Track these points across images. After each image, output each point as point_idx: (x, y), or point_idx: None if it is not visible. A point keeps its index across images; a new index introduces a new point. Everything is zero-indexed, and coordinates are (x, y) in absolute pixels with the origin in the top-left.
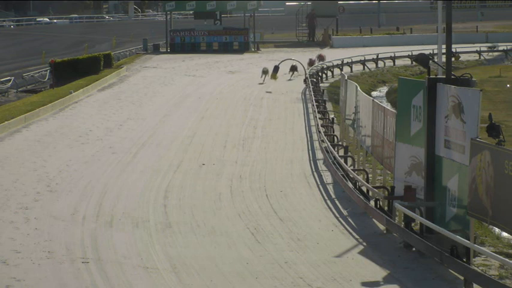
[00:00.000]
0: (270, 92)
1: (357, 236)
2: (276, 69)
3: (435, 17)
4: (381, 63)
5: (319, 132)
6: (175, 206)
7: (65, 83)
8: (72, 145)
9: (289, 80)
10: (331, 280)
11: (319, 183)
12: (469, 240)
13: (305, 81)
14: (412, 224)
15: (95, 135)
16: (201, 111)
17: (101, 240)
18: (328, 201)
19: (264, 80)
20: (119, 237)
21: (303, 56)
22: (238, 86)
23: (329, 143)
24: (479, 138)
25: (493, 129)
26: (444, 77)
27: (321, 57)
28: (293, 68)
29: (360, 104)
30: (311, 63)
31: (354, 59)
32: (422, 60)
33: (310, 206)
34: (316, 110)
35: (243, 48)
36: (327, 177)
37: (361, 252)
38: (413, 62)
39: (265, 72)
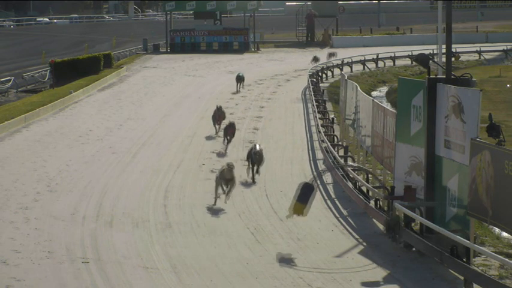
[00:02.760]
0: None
1: (357, 236)
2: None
3: (435, 17)
4: (381, 63)
5: (319, 132)
6: (175, 205)
7: (65, 83)
8: (72, 145)
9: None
10: (331, 280)
11: (319, 183)
12: (469, 240)
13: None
14: (412, 224)
15: (95, 135)
16: (201, 111)
17: (101, 240)
18: (328, 201)
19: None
20: (119, 237)
21: (303, 56)
22: None
23: (329, 143)
24: (479, 138)
25: (493, 129)
26: (444, 77)
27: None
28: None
29: (360, 104)
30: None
31: (354, 59)
32: (422, 60)
33: None
34: (316, 110)
35: (243, 48)
36: (327, 177)
37: (361, 252)
38: (413, 62)
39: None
